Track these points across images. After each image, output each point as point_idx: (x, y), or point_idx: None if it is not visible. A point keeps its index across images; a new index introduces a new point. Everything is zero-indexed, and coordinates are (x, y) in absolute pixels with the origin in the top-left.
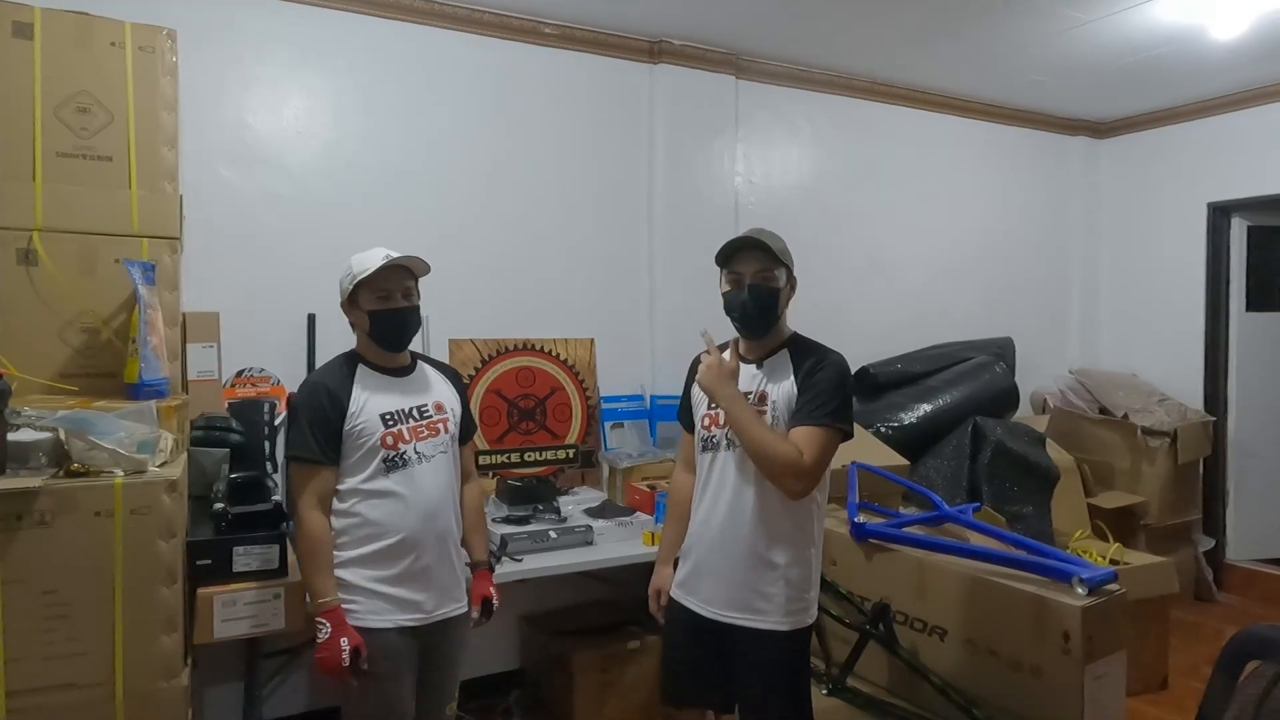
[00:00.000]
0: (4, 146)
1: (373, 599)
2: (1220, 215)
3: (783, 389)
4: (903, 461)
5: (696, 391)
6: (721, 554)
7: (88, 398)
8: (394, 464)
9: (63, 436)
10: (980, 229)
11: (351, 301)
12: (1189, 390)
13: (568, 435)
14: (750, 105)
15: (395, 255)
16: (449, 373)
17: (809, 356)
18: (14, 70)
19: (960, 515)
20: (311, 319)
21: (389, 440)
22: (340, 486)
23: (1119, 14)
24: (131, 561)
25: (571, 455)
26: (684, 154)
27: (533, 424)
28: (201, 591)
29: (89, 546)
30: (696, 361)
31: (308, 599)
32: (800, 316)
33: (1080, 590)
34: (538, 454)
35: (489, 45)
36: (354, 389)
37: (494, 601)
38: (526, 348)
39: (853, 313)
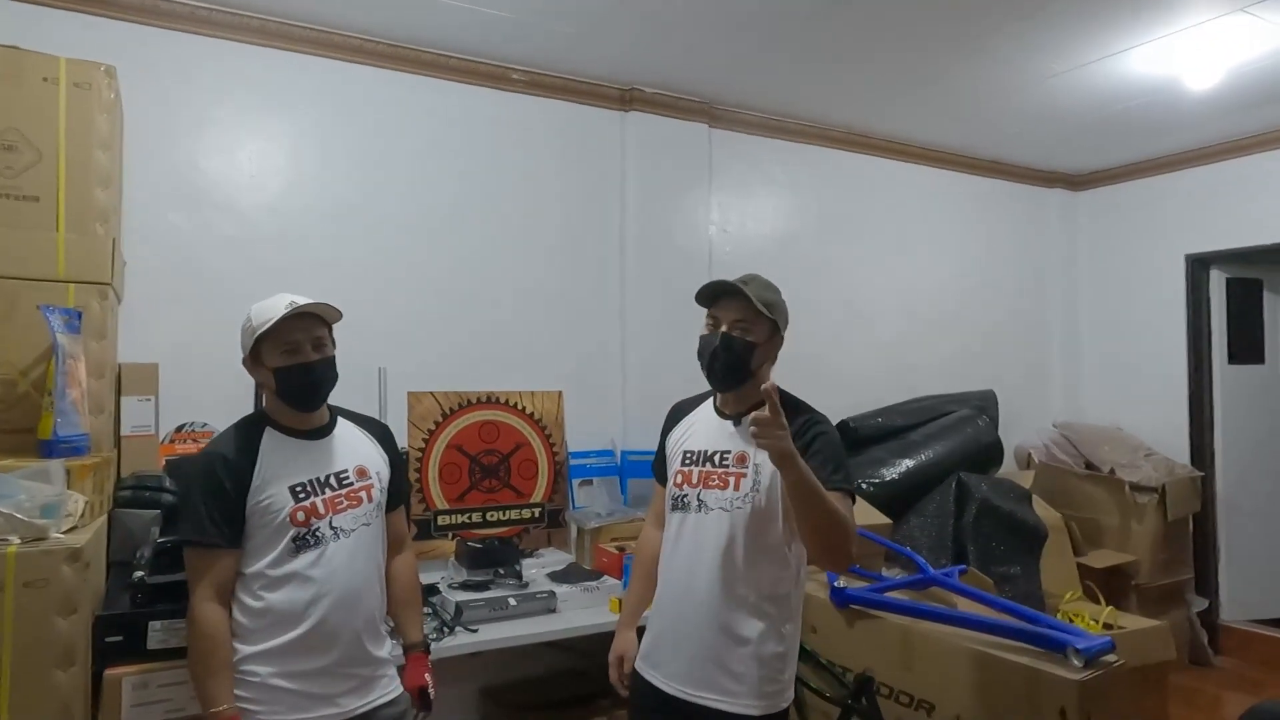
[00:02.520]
0: None
1: (278, 697)
2: (1199, 267)
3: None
4: (884, 520)
5: (672, 443)
6: (688, 625)
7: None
8: (305, 543)
9: None
10: (959, 280)
11: (254, 358)
12: (1175, 444)
13: (533, 493)
14: (725, 154)
15: (301, 302)
16: (376, 430)
17: (797, 417)
18: None
19: (946, 579)
20: None
21: (299, 516)
22: (244, 570)
23: (1094, 64)
24: (22, 641)
25: (537, 514)
26: (657, 202)
27: (496, 481)
28: (109, 673)
29: None
30: (675, 410)
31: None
32: (778, 367)
33: (1076, 662)
34: (501, 513)
35: (454, 90)
36: (258, 458)
37: (430, 690)
38: (490, 401)
39: (830, 364)
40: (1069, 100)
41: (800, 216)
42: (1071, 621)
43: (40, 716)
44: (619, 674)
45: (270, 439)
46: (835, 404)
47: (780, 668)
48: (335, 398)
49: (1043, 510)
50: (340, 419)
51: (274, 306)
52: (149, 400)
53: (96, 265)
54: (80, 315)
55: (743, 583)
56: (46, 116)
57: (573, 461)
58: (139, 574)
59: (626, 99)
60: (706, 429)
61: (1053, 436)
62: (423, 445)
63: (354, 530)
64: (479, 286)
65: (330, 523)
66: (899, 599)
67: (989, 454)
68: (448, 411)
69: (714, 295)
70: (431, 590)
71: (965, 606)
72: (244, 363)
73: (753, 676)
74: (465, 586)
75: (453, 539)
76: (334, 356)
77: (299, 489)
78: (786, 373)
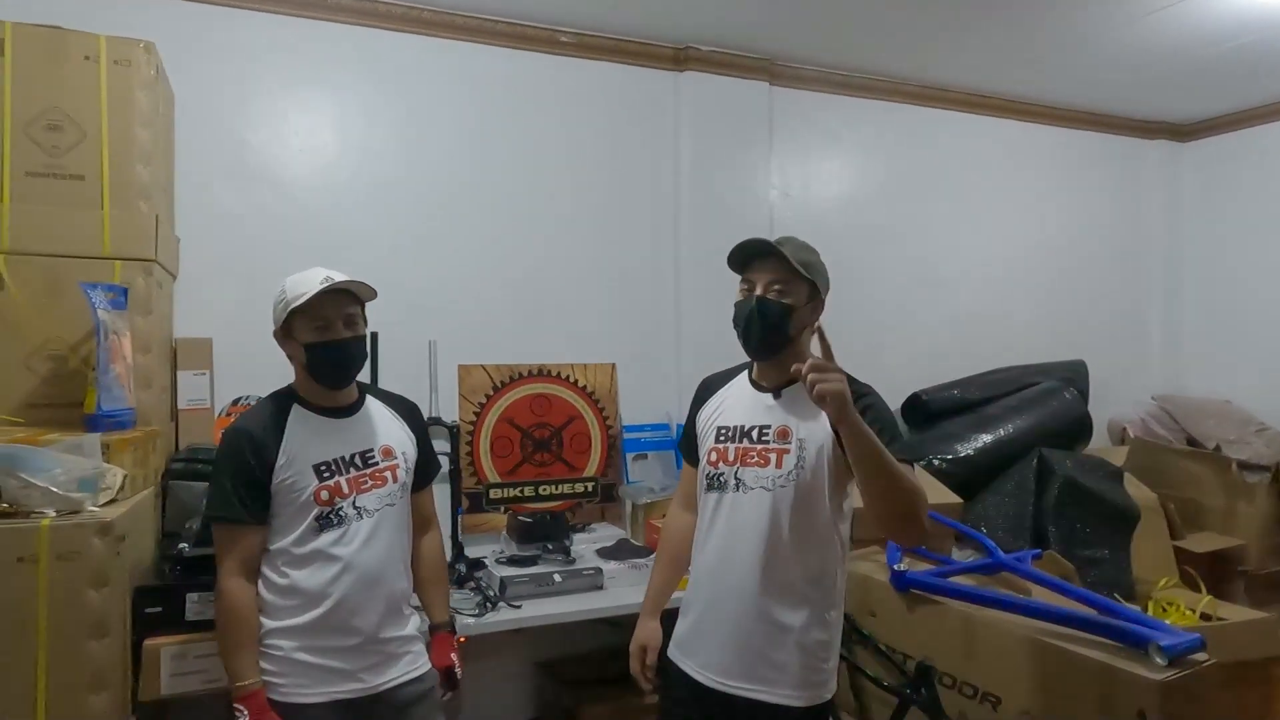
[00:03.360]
0: None
1: (300, 671)
2: None
3: (815, 428)
4: (955, 499)
5: (704, 420)
6: (726, 612)
7: (46, 429)
8: (328, 522)
9: None
10: (1046, 242)
11: (285, 332)
12: None
13: (586, 467)
14: (786, 113)
15: (337, 278)
16: (404, 408)
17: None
18: None
19: (1017, 564)
20: None
21: (323, 495)
22: (270, 546)
23: None
24: (57, 612)
25: (590, 489)
26: (713, 167)
27: (548, 455)
28: (148, 643)
29: (9, 595)
30: (704, 385)
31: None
32: (842, 338)
33: (1159, 660)
34: (553, 487)
35: (500, 56)
36: (284, 436)
37: (457, 670)
38: (542, 374)
39: (901, 333)
40: (1173, 39)
41: (868, 178)
42: (1165, 611)
43: (75, 685)
44: (641, 665)
45: (297, 416)
46: (906, 376)
47: (824, 656)
48: (386, 370)
49: (1136, 490)
50: (369, 397)
51: (309, 280)
52: (204, 374)
53: (140, 242)
54: (125, 292)
55: (785, 566)
56: (88, 95)
57: (626, 435)
58: (182, 546)
59: (681, 58)
60: (742, 403)
61: (1150, 410)
62: (474, 418)
63: (378, 510)
64: (529, 257)
65: (354, 502)
66: (962, 584)
67: (1076, 429)
68: (499, 384)
69: (747, 258)
70: (477, 565)
71: (1040, 594)
72: (275, 335)
73: (794, 665)
74: (512, 561)
75: (505, 512)
76: (365, 335)
77: (323, 468)
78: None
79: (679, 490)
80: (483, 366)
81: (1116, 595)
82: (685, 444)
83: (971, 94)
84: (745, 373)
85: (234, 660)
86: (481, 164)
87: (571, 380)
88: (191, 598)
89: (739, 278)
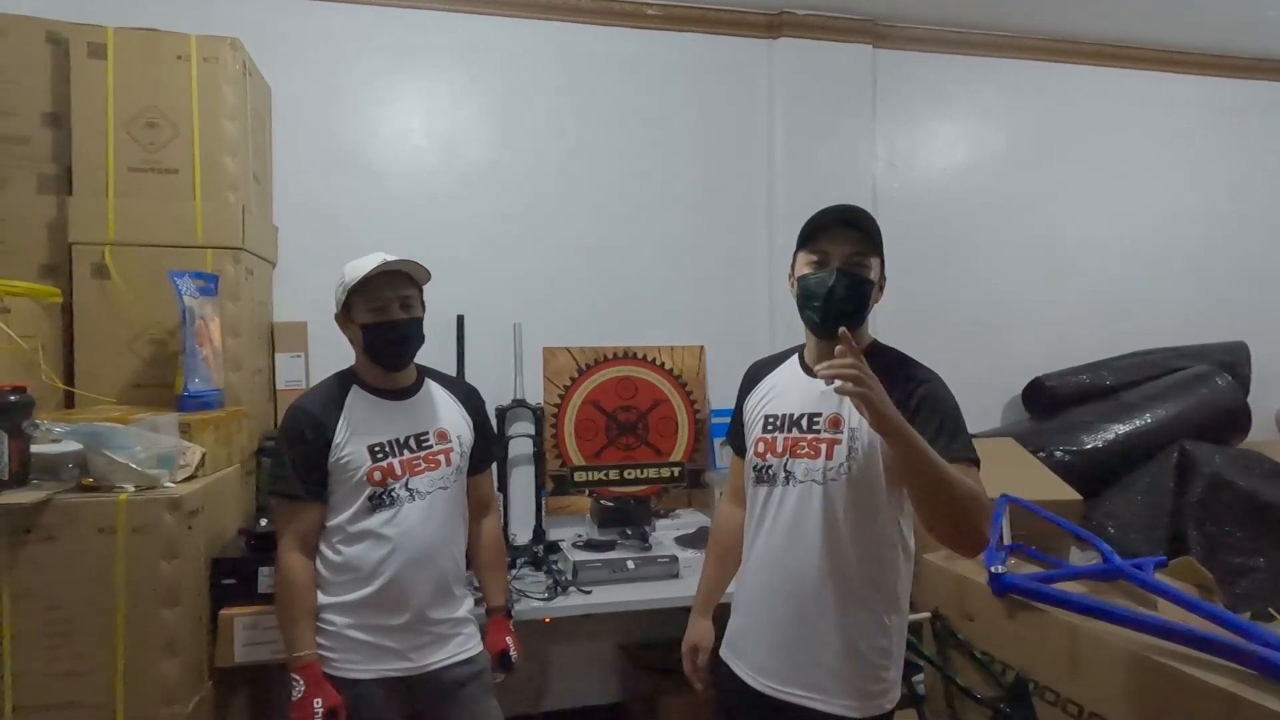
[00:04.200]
0: (82, 164)
1: (351, 646)
2: None
3: None
4: (1073, 496)
5: (751, 408)
6: (776, 613)
7: (144, 409)
8: (380, 502)
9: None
10: (1200, 210)
11: (345, 314)
12: None
13: (673, 452)
14: (891, 77)
15: (392, 259)
16: (463, 392)
17: (903, 373)
18: (89, 90)
19: (1136, 571)
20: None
21: (376, 475)
22: (326, 523)
23: None
24: (133, 581)
25: (677, 474)
26: (810, 138)
27: (633, 439)
28: (224, 613)
29: (92, 564)
30: (752, 371)
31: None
32: (954, 315)
33: None
34: (639, 471)
35: (586, 33)
36: (341, 415)
37: (512, 654)
38: (627, 356)
39: (1023, 312)
40: None
41: (986, 145)
42: None
43: (150, 649)
44: (693, 666)
45: (356, 397)
46: (1027, 358)
47: (884, 665)
48: (472, 352)
49: None
50: (428, 380)
51: (365, 264)
52: (299, 356)
53: (228, 230)
54: (216, 279)
55: (841, 566)
56: (180, 92)
57: (715, 420)
58: (261, 520)
59: (775, 24)
60: (791, 390)
61: None
62: (558, 401)
63: (430, 493)
64: (615, 238)
65: (406, 484)
66: (1067, 591)
67: (1230, 420)
68: (583, 367)
69: (819, 227)
70: (553, 548)
71: (1166, 608)
72: (336, 319)
73: (850, 673)
74: (589, 546)
75: (589, 495)
76: (421, 318)
77: (377, 449)
78: (966, 322)
79: (728, 484)
80: (567, 349)
81: (1274, 611)
82: (733, 434)
83: (1109, 44)
84: (795, 356)
85: (290, 632)
86: (568, 145)
87: (658, 363)
88: (263, 571)
89: (797, 252)
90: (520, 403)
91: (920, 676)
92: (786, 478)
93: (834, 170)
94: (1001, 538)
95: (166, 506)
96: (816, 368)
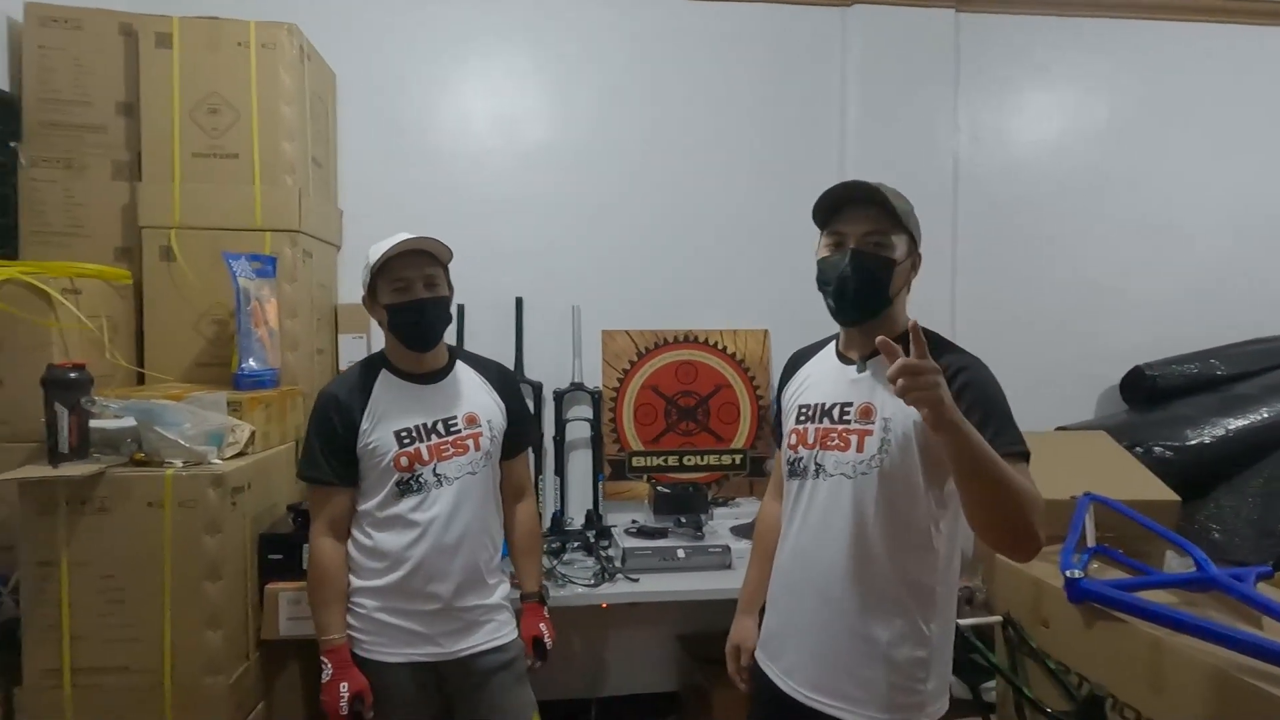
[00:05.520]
0: (150, 150)
1: (381, 630)
2: None
3: (903, 406)
4: (1169, 497)
5: (788, 398)
6: (807, 617)
7: (204, 386)
8: (408, 488)
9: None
10: None
11: (371, 296)
12: None
13: (734, 438)
14: (977, 44)
15: (411, 238)
16: (495, 374)
17: (942, 359)
18: (157, 79)
19: (1235, 583)
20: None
21: (403, 461)
22: (358, 508)
23: None
24: (179, 554)
25: (738, 461)
26: (885, 111)
27: (694, 424)
28: (269, 587)
29: (142, 536)
30: (792, 359)
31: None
32: (1044, 300)
33: None
34: (699, 458)
35: (648, 7)
36: (369, 401)
37: (546, 640)
38: (688, 340)
39: (1121, 297)
40: None
41: (1082, 114)
42: None
43: (195, 620)
44: (737, 665)
45: (384, 382)
46: (1125, 346)
47: (920, 676)
48: (530, 335)
49: None
50: (459, 362)
51: (387, 244)
52: (361, 338)
53: (286, 214)
54: (274, 261)
55: (873, 568)
56: (240, 78)
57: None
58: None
59: None
60: (825, 378)
61: None
62: (617, 385)
63: (458, 478)
64: (677, 219)
65: (434, 469)
66: (1149, 601)
67: None
68: (643, 351)
69: (834, 206)
70: (605, 534)
71: (1271, 626)
72: (363, 302)
73: (881, 683)
74: (641, 533)
75: (648, 481)
76: (448, 297)
77: (404, 434)
78: (1057, 306)
79: (772, 477)
80: (627, 332)
81: None
82: (775, 425)
83: None
84: (833, 344)
85: (320, 615)
86: (629, 124)
87: (719, 347)
88: (306, 548)
89: (820, 233)
90: (578, 386)
91: (991, 683)
92: (817, 470)
93: (912, 146)
94: (1083, 539)
95: (210, 482)
96: (872, 364)
